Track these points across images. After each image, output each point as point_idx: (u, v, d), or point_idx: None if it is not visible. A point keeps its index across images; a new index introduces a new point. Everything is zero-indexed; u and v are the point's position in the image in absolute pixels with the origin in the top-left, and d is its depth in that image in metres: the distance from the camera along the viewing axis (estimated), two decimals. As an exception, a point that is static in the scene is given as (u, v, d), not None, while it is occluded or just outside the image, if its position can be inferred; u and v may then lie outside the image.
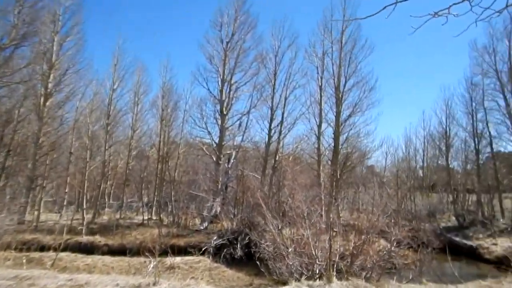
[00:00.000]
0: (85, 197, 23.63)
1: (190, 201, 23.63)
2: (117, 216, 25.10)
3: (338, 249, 11.62)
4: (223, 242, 16.94)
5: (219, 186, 22.77)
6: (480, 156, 27.90)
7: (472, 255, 19.87)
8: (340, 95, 23.90)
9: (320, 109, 24.11)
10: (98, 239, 19.17)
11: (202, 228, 20.19)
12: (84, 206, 23.06)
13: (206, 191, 22.72)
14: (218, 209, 21.08)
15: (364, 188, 33.21)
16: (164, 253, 13.74)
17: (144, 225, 22.18)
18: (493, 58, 26.90)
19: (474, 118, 27.79)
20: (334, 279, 8.54)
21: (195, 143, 27.95)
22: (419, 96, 76.83)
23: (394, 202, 27.42)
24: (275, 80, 25.08)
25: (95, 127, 25.94)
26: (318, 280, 9.92)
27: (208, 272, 12.40)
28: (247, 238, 16.38)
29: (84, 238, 18.98)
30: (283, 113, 24.35)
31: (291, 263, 10.66)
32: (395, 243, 12.24)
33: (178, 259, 13.57)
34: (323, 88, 24.57)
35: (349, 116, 23.94)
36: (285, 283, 10.59)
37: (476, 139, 27.69)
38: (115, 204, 28.64)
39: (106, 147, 25.54)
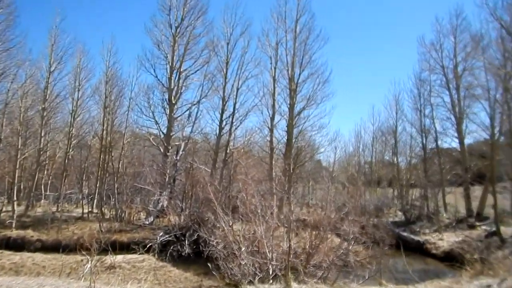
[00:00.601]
0: (15, 187, 21.61)
1: (135, 194, 22.36)
2: (54, 208, 23.34)
3: (293, 248, 11.03)
4: (170, 238, 16.02)
5: (167, 179, 21.67)
6: (426, 151, 28.46)
7: (420, 250, 20.14)
8: (294, 87, 23.47)
9: (273, 101, 23.60)
10: (31, 233, 17.60)
11: (147, 223, 19.06)
12: (15, 197, 21.12)
13: (152, 184, 21.52)
14: (165, 203, 20.01)
15: (314, 183, 33.26)
16: (104, 250, 12.64)
17: (83, 219, 20.68)
18: (440, 54, 27.40)
19: (422, 114, 28.24)
20: (293, 283, 7.89)
21: (141, 133, 26.55)
22: (372, 91, 77.94)
23: (345, 198, 27.64)
24: (227, 69, 24.22)
25: (30, 112, 23.74)
26: (273, 282, 9.31)
27: (153, 272, 11.40)
28: (195, 235, 15.54)
29: (14, 233, 17.37)
30: (235, 104, 23.61)
31: (243, 263, 9.94)
32: (352, 241, 11.88)
33: (119, 257, 12.43)
34: (277, 79, 24.09)
35: (303, 108, 23.62)
36: (237, 285, 9.89)
37: (423, 135, 28.20)
38: (52, 196, 26.63)
39: (42, 134, 23.59)
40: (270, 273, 9.78)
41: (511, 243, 16.48)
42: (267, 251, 10.28)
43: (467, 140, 27.45)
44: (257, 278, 9.56)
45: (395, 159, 31.19)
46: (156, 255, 14.63)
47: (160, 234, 16.36)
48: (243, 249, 10.63)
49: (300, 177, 28.80)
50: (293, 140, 23.40)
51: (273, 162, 22.70)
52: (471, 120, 26.29)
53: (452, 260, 17.47)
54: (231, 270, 9.89)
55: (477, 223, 22.68)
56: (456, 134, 26.83)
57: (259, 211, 11.95)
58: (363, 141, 36.75)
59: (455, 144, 27.82)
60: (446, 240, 19.99)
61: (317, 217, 13.38)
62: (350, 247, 11.55)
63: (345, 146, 37.94)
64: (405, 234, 22.32)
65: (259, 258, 10.17)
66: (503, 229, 17.99)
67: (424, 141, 28.27)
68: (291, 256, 10.36)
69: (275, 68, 24.17)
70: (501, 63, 17.42)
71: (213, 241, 12.57)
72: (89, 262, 9.69)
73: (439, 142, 28.20)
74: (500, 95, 18.54)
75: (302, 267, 10.18)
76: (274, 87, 23.81)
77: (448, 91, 26.90)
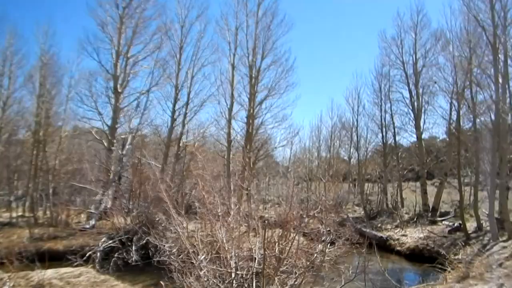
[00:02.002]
0: None
1: (74, 195, 20.07)
2: (-24, 214, 20.46)
3: (257, 251, 9.59)
4: (114, 244, 14.14)
5: (111, 177, 19.59)
6: (386, 146, 28.16)
7: (383, 247, 19.40)
8: (255, 75, 22.01)
9: (232, 90, 21.91)
10: None
11: (88, 226, 16.95)
12: None
13: (94, 182, 19.38)
14: (109, 203, 17.96)
15: (271, 178, 32.18)
16: (33, 262, 10.58)
17: (12, 225, 18.03)
18: (401, 50, 27.38)
19: (382, 109, 27.99)
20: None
21: (82, 125, 24.10)
22: (335, 84, 76.69)
23: (305, 193, 26.74)
24: (180, 55, 22.44)
25: None
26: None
27: (92, 288, 9.51)
28: (144, 239, 13.82)
29: None
30: (189, 93, 21.82)
31: (202, 273, 8.37)
32: (327, 241, 10.67)
33: (50, 272, 10.28)
34: (236, 67, 22.40)
35: (265, 98, 22.24)
36: (196, 301, 8.33)
37: (383, 130, 27.90)
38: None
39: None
40: (234, 285, 8.31)
41: (476, 239, 16.00)
42: (229, 257, 8.78)
43: (425, 136, 27.53)
44: (220, 292, 8.08)
45: (354, 153, 30.62)
46: (97, 265, 12.72)
47: (103, 240, 14.44)
48: (202, 256, 9.07)
49: (257, 172, 27.47)
50: (254, 132, 21.98)
51: (231, 156, 21.17)
52: (429, 115, 26.41)
53: (418, 257, 16.85)
54: (188, 282, 8.28)
55: (438, 218, 22.42)
56: (414, 130, 26.69)
57: (218, 210, 10.46)
58: (322, 135, 36.01)
59: (413, 139, 27.70)
60: (409, 236, 19.42)
61: (282, 215, 12.03)
62: (325, 249, 10.23)
63: (303, 140, 36.85)
64: (366, 230, 21.55)
65: (221, 266, 8.64)
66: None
67: (384, 137, 27.97)
68: (257, 262, 8.97)
69: (234, 55, 22.54)
70: (466, 57, 16.96)
71: (164, 245, 10.98)
72: (8, 281, 7.69)
73: (397, 138, 28.08)
74: (461, 90, 18.15)
75: (272, 274, 8.79)
76: (233, 75, 22.18)
77: (407, 87, 26.96)
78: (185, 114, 21.66)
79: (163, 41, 22.43)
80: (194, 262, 8.74)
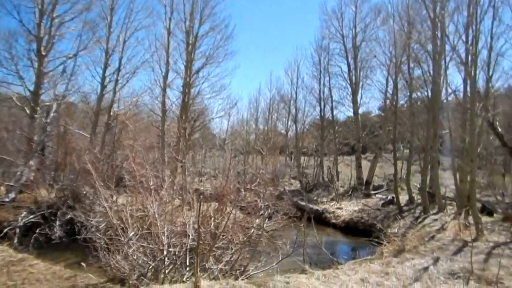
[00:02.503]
0: None
1: (-10, 166, 18.23)
2: None
3: (192, 226, 9.06)
4: (36, 219, 13.00)
5: (34, 146, 17.95)
6: (324, 120, 28.38)
7: (319, 220, 19.62)
8: (193, 41, 20.89)
9: (167, 57, 20.67)
10: None
11: (7, 200, 15.41)
12: None
13: (15, 152, 17.68)
14: (32, 175, 16.48)
15: (208, 150, 31.50)
16: None
17: None
18: (341, 23, 27.58)
19: (321, 82, 28.08)
20: (203, 283, 5.98)
21: (1, 90, 21.82)
22: (275, 56, 75.75)
23: (242, 166, 26.42)
24: (111, 17, 20.64)
25: None
26: (172, 276, 7.33)
27: (6, 269, 8.50)
28: (70, 214, 12.79)
29: None
30: (120, 59, 20.30)
31: (131, 251, 7.72)
32: (265, 215, 10.37)
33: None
34: (172, 32, 21.07)
35: (203, 66, 21.27)
36: (123, 281, 7.68)
37: (321, 103, 28.05)
38: None
39: None
40: (166, 263, 7.75)
41: (409, 212, 16.53)
42: (161, 233, 8.17)
43: (361, 111, 28.04)
44: (150, 272, 7.49)
45: (292, 126, 30.69)
46: (15, 243, 11.59)
47: (23, 215, 13.24)
48: (131, 233, 8.39)
49: (193, 144, 26.64)
50: (190, 102, 21.02)
51: (166, 127, 20.17)
52: (366, 90, 26.88)
53: (353, 230, 17.19)
54: (116, 263, 7.61)
55: (372, 192, 23.06)
56: (351, 104, 27.09)
57: (150, 183, 9.75)
58: (260, 107, 35.75)
59: (350, 113, 28.18)
60: (345, 209, 19.79)
61: (218, 188, 11.54)
62: (263, 223, 9.91)
63: (241, 112, 36.38)
64: (303, 203, 21.66)
65: (152, 243, 8.02)
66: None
67: (321, 110, 28.15)
68: (191, 239, 8.45)
69: (170, 19, 21.14)
70: (405, 32, 17.08)
71: (92, 220, 10.16)
72: None
73: (335, 112, 28.41)
74: (399, 65, 18.42)
75: (207, 251, 8.31)
76: (169, 41, 20.88)
77: (346, 61, 27.30)
78: (117, 81, 20.22)
79: (93, 1, 20.45)
80: (122, 239, 8.05)
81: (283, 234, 12.17)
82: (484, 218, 12.83)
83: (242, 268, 8.52)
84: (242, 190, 12.50)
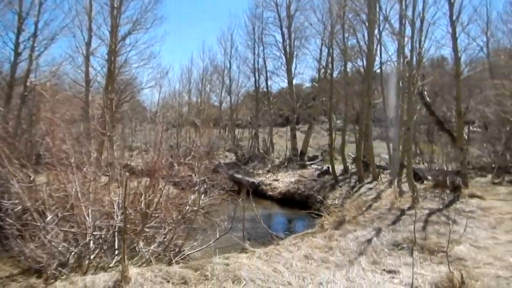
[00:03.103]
0: None
1: None
2: None
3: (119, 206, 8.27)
4: None
5: None
6: (258, 90, 27.95)
7: (256, 192, 19.37)
8: (118, 4, 19.09)
9: (90, 22, 18.63)
10: None
11: None
12: None
13: None
14: None
15: (139, 124, 30.04)
16: None
17: None
18: (275, -10, 26.64)
19: (255, 52, 27.51)
20: (132, 270, 5.32)
21: None
22: (208, 26, 72.45)
23: (174, 139, 25.49)
24: (24, -25, 18.31)
25: None
26: (97, 263, 6.60)
27: None
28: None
29: None
30: (36, 23, 17.99)
31: (49, 237, 6.81)
32: (202, 192, 9.80)
33: None
34: (95, -6, 19.06)
35: (129, 32, 19.60)
36: (40, 272, 6.78)
37: (256, 74, 27.55)
38: None
39: None
40: (91, 247, 6.97)
41: (344, 181, 16.72)
42: (85, 215, 7.32)
43: (296, 82, 27.95)
44: (72, 258, 6.68)
45: (226, 98, 29.96)
46: None
47: None
48: (49, 216, 7.47)
49: (121, 117, 25.11)
50: (116, 72, 19.50)
51: (90, 98, 18.60)
52: (301, 60, 26.76)
53: (290, 201, 17.10)
54: (31, 251, 6.69)
55: (307, 162, 23.20)
56: (285, 75, 26.85)
57: (71, 159, 8.74)
58: (193, 78, 34.40)
59: (284, 84, 27.99)
60: (281, 181, 19.67)
61: (149, 163, 10.74)
62: (199, 199, 9.32)
63: (171, 84, 34.81)
64: (239, 176, 21.35)
65: (75, 227, 7.18)
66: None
67: (256, 80, 27.66)
68: (120, 219, 7.68)
69: (92, -20, 19.07)
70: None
71: (6, 203, 9.01)
72: None
73: (269, 82, 28.04)
74: (334, 34, 18.26)
75: (138, 232, 7.63)
76: (91, 4, 18.78)
77: (280, 30, 26.81)
78: (33, 48, 18.12)
79: (0, -43, 18.15)
80: (38, 223, 7.11)
81: (220, 210, 11.67)
82: (417, 185, 13.15)
83: (177, 249, 7.90)
84: (175, 164, 11.77)
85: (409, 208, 9.76)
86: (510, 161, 16.68)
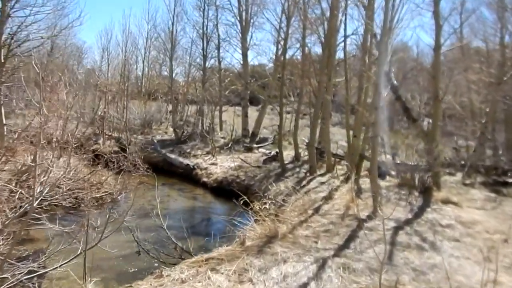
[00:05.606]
0: None
1: None
2: None
3: None
4: None
5: None
6: (207, 61, 24.74)
7: (189, 177, 16.67)
8: None
9: None
10: None
11: None
12: None
13: None
14: None
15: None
16: None
17: None
18: None
19: (205, 15, 24.14)
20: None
21: None
22: None
23: (100, 109, 22.33)
24: None
25: None
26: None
27: None
28: None
29: None
30: None
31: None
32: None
33: None
34: None
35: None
36: None
37: (205, 41, 24.27)
38: None
39: None
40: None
41: (293, 171, 14.28)
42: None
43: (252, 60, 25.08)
44: None
45: (172, 68, 26.31)
46: None
47: None
48: None
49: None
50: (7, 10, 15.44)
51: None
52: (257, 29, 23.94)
53: (226, 191, 14.10)
54: None
55: (255, 145, 20.52)
56: (240, 44, 23.97)
57: None
58: (136, 42, 30.40)
59: (238, 55, 24.96)
60: (220, 165, 16.96)
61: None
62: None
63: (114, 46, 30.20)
64: (172, 156, 18.51)
65: None
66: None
67: (204, 48, 24.39)
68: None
69: None
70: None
71: None
72: None
73: (221, 52, 24.89)
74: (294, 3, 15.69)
75: None
76: None
77: (235, -9, 23.50)
78: None
79: None
80: None
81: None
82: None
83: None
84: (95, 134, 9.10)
85: (369, 218, 7.39)
86: (483, 159, 14.71)
